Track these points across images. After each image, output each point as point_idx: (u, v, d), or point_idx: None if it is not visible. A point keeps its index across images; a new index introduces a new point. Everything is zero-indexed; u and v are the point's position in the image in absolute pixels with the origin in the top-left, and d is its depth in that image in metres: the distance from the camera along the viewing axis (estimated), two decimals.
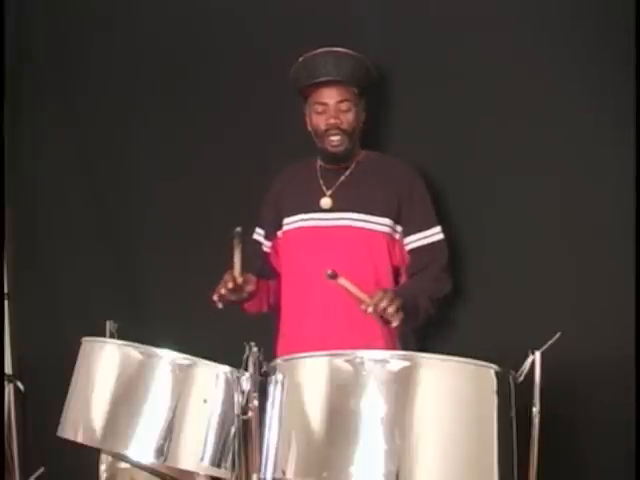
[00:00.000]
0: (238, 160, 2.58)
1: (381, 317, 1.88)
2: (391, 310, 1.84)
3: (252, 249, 2.32)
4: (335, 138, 2.12)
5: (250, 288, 2.06)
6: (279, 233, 2.26)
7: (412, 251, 2.15)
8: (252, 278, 2.07)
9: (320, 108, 2.13)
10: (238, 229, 1.82)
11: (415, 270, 2.14)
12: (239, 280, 1.98)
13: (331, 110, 2.12)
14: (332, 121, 2.11)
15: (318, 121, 2.14)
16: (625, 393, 1.98)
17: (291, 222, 2.20)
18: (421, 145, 2.34)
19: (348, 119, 2.13)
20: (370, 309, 1.83)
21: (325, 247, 2.13)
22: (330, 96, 2.12)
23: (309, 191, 2.19)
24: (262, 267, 2.27)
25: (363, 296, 1.87)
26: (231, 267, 1.97)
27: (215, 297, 2.00)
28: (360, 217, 2.12)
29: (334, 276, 1.86)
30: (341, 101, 2.12)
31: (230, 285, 1.97)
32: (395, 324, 1.86)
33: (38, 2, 2.94)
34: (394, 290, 2.00)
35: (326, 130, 2.12)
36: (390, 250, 2.15)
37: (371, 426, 1.44)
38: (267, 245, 2.30)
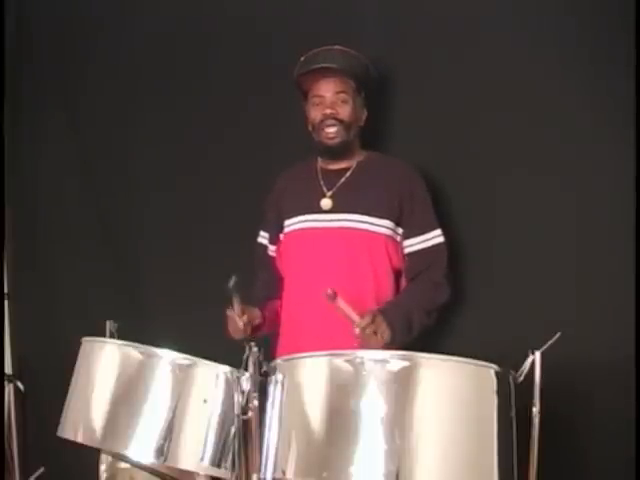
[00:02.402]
0: (239, 160, 2.58)
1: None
2: (376, 340, 1.90)
3: (258, 254, 2.32)
4: (331, 130, 2.12)
5: (256, 322, 2.09)
6: (281, 236, 2.26)
7: (410, 254, 2.15)
8: (256, 314, 2.10)
9: (317, 100, 2.14)
10: (231, 281, 1.80)
11: (413, 274, 2.14)
12: (242, 321, 1.99)
13: (327, 102, 2.12)
14: (328, 111, 2.11)
15: (315, 113, 2.14)
16: (625, 393, 1.98)
17: (292, 224, 2.19)
18: (421, 145, 2.34)
19: (345, 111, 2.13)
20: (357, 331, 1.88)
21: (325, 249, 2.12)
22: (327, 89, 2.13)
23: (309, 192, 2.18)
24: (269, 278, 2.27)
25: (355, 317, 1.90)
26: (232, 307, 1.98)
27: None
28: (361, 219, 2.11)
29: (333, 296, 1.86)
30: (338, 93, 2.12)
31: (240, 325, 1.99)
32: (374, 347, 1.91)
33: (38, 2, 2.94)
34: (386, 311, 1.99)
35: (322, 121, 2.12)
36: (390, 252, 2.15)
37: (371, 426, 1.44)
38: (272, 249, 2.31)
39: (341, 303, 1.90)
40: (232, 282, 1.81)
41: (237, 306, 1.94)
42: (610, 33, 2.06)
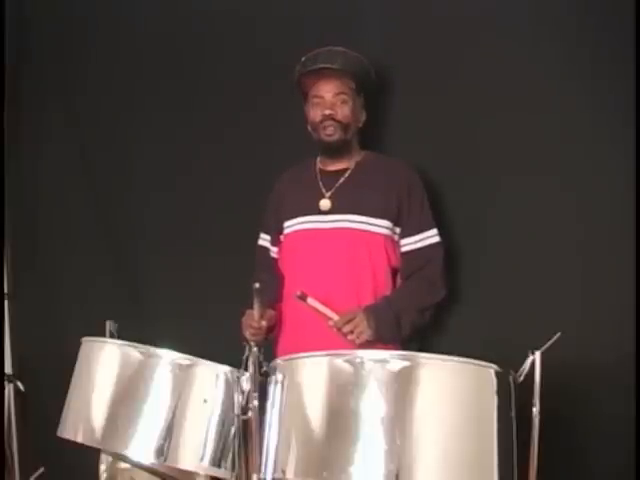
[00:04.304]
0: (238, 160, 2.58)
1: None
2: (352, 337, 1.96)
3: (259, 257, 2.32)
4: (329, 127, 2.14)
5: (271, 323, 2.12)
6: (281, 237, 2.26)
7: (407, 253, 2.16)
8: (272, 314, 2.14)
9: (317, 100, 2.16)
10: (256, 285, 1.83)
11: (409, 273, 2.15)
12: (258, 324, 2.00)
13: (327, 102, 2.14)
14: (327, 112, 2.13)
15: (314, 113, 2.16)
16: (625, 393, 1.98)
17: (291, 225, 2.20)
18: (421, 145, 2.34)
19: (344, 112, 2.15)
20: (334, 329, 1.96)
21: (324, 249, 2.13)
22: (327, 90, 2.15)
23: (308, 193, 2.19)
24: (272, 280, 2.24)
25: (332, 314, 1.98)
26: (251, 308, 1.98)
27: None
28: (359, 219, 2.12)
29: (303, 297, 1.97)
30: (337, 94, 2.14)
31: (252, 330, 2.02)
32: (356, 342, 1.97)
33: (38, 2, 2.94)
34: (374, 308, 2.04)
35: (321, 121, 2.14)
36: (389, 251, 2.16)
37: (371, 426, 1.44)
38: (274, 251, 2.31)
39: (313, 303, 1.98)
40: (255, 288, 1.83)
41: (257, 311, 1.95)
42: (610, 33, 2.06)
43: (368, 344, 1.98)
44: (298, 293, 1.97)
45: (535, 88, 2.16)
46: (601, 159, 2.10)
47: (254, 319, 1.97)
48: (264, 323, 2.00)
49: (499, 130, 2.23)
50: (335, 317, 1.98)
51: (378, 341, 2.00)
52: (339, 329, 1.97)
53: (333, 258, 2.12)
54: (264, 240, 2.33)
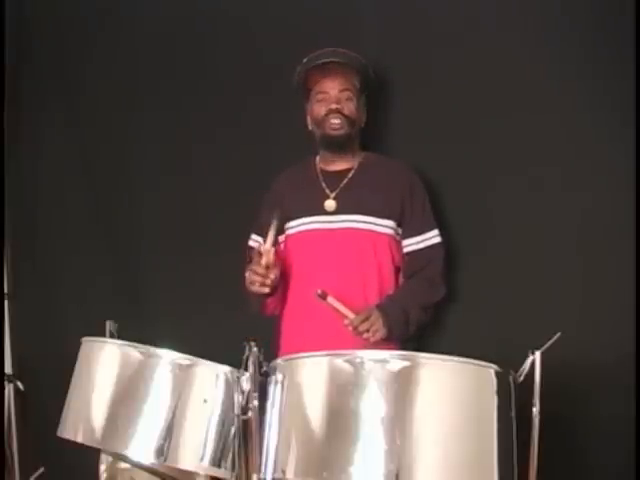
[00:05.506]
0: (238, 160, 2.58)
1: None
2: (367, 336, 1.97)
3: (250, 257, 2.30)
4: (336, 121, 2.13)
5: (276, 272, 2.06)
6: (281, 238, 2.25)
7: (408, 254, 2.18)
8: (277, 273, 2.09)
9: (322, 96, 2.16)
10: (276, 213, 1.92)
11: (411, 273, 2.17)
12: (267, 259, 2.00)
13: (332, 97, 2.14)
14: (334, 106, 2.13)
15: (319, 108, 2.16)
16: (625, 393, 1.98)
17: (295, 226, 2.20)
18: (421, 145, 2.34)
19: (350, 107, 2.15)
20: (350, 327, 1.96)
21: (331, 249, 2.13)
22: (332, 86, 2.15)
23: (312, 194, 2.19)
24: None
25: (348, 313, 1.98)
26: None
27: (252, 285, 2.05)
28: (365, 219, 2.13)
29: (324, 296, 1.97)
30: (342, 90, 2.14)
31: (258, 278, 2.01)
32: (371, 340, 1.98)
33: (38, 2, 2.94)
34: (384, 306, 2.04)
35: (327, 114, 2.14)
36: (393, 251, 2.17)
37: (371, 426, 1.44)
38: None
39: (333, 301, 1.98)
40: (276, 216, 1.89)
41: (270, 239, 1.98)
42: (610, 33, 2.06)
43: (380, 342, 1.98)
44: (319, 292, 1.97)
45: (535, 88, 2.16)
46: (601, 159, 2.10)
47: (260, 265, 1.99)
48: (272, 276, 2.01)
49: (499, 130, 2.23)
50: (351, 316, 1.98)
51: (389, 339, 2.01)
52: (355, 328, 1.97)
53: (340, 258, 2.12)
54: (255, 242, 2.31)
